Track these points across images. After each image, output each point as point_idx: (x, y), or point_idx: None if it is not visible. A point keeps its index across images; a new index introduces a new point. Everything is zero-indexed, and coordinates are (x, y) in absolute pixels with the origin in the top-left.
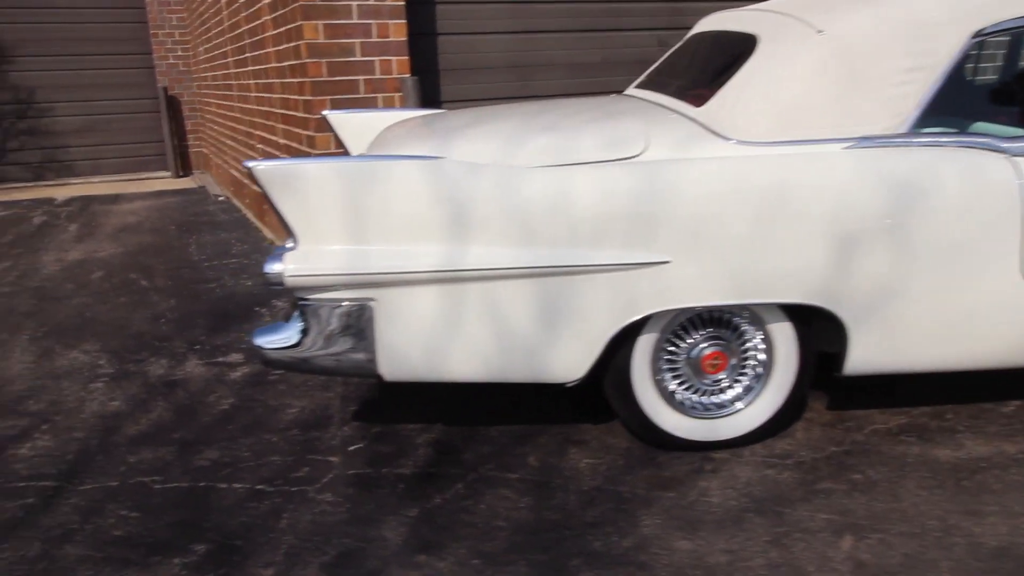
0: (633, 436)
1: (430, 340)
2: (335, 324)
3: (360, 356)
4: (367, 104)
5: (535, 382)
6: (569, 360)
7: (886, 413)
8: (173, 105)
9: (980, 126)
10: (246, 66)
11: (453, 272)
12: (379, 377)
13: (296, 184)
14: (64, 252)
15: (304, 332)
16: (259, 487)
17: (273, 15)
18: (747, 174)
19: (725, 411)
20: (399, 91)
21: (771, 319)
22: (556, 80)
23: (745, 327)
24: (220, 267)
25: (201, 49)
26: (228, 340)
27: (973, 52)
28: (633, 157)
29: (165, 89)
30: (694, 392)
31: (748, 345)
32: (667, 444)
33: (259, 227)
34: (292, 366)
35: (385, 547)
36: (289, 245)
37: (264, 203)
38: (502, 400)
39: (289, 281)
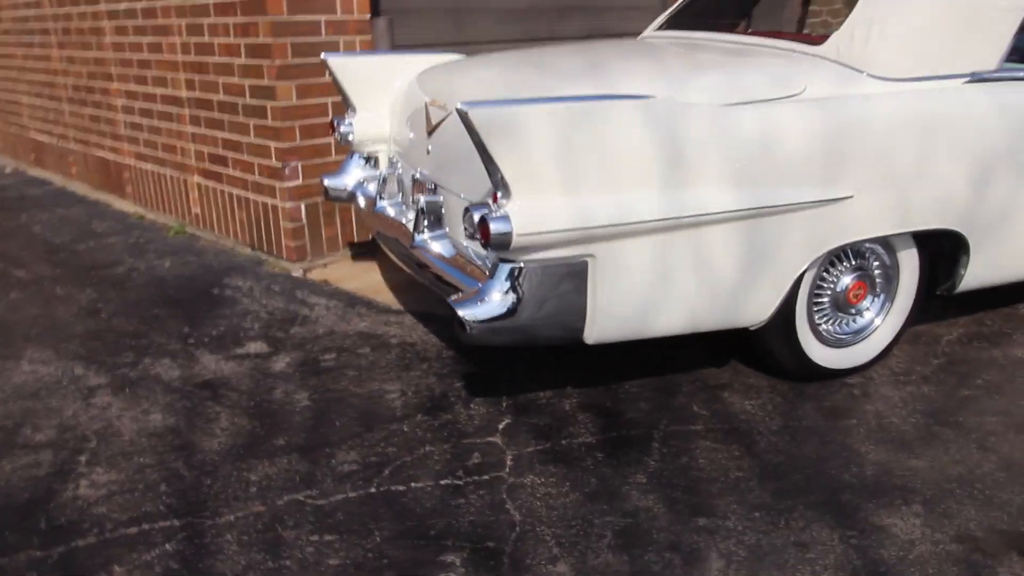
0: (773, 374)
1: (641, 295)
2: (551, 287)
3: (570, 319)
4: (328, 47)
5: (726, 328)
6: (761, 302)
7: (940, 326)
8: None
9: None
10: (93, 5)
11: (673, 220)
12: (580, 342)
13: (516, 130)
14: None
15: (518, 299)
16: (445, 482)
17: None
18: (909, 109)
19: (859, 336)
20: (362, 33)
21: (902, 246)
22: (488, 25)
23: (879, 255)
24: (103, 248)
25: None
26: (224, 330)
27: None
28: (797, 95)
29: None
30: (832, 322)
31: (877, 273)
32: (815, 376)
33: (103, 200)
34: (497, 339)
35: (654, 517)
36: (499, 199)
37: (124, 172)
38: (596, 356)
39: (518, 241)
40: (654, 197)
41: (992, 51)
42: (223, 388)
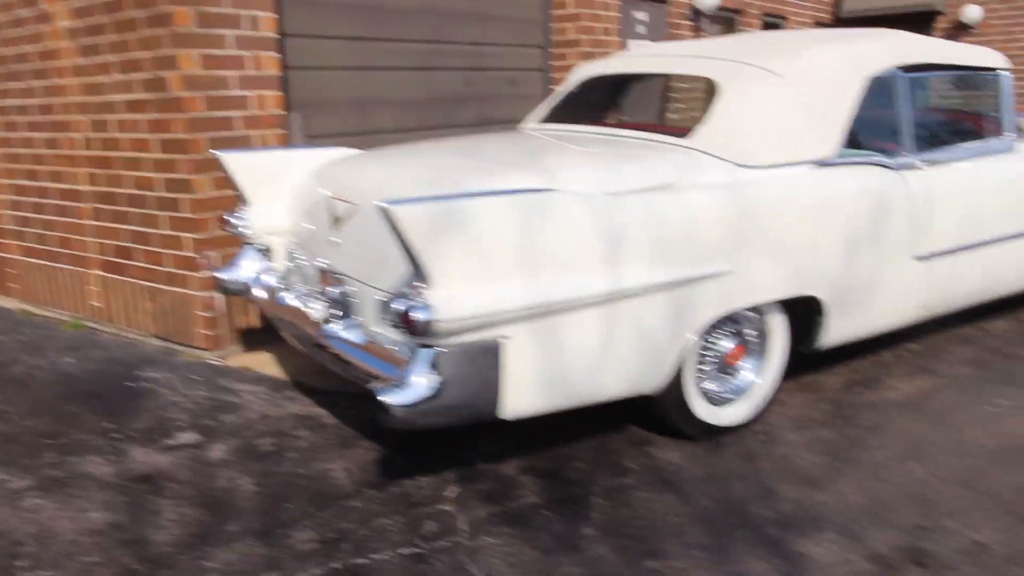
0: (671, 435)
1: (549, 371)
2: (469, 368)
3: (486, 397)
4: (243, 141)
5: (631, 396)
6: (656, 371)
7: (822, 375)
8: None
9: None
10: None
11: (572, 301)
12: (496, 418)
13: (434, 224)
14: None
15: (439, 382)
16: (405, 551)
17: (81, 41)
18: (769, 193)
19: (741, 395)
20: (275, 128)
21: (770, 312)
22: (390, 117)
23: (752, 321)
24: None
25: None
26: (150, 423)
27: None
28: (674, 183)
29: None
30: (717, 383)
31: (752, 337)
32: (707, 434)
33: None
34: (419, 421)
35: (609, 564)
36: (419, 289)
37: (7, 268)
38: (531, 424)
39: (440, 327)
40: (554, 281)
41: (830, 141)
42: (162, 480)
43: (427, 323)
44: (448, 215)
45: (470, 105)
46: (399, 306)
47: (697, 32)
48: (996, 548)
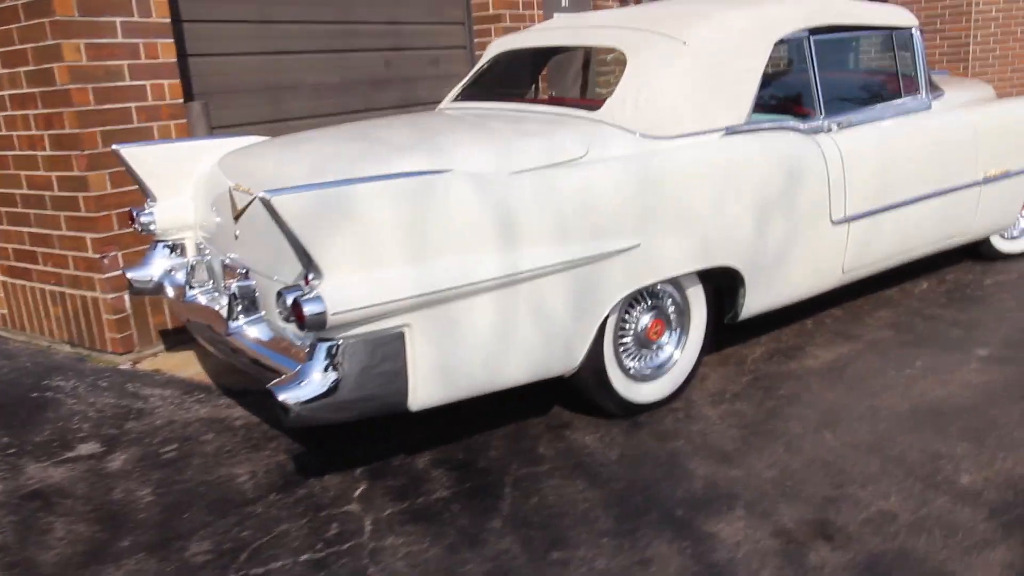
0: (596, 414)
1: (455, 359)
2: (370, 360)
3: (392, 389)
4: (141, 133)
5: (544, 378)
6: (570, 352)
7: (746, 347)
8: None
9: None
10: None
11: (471, 285)
12: (405, 410)
13: (320, 213)
14: None
15: (338, 376)
16: (305, 557)
17: None
18: (676, 163)
19: (663, 370)
20: (176, 118)
21: (688, 284)
22: (304, 102)
23: (671, 295)
24: None
25: None
26: (49, 435)
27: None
28: (581, 158)
29: None
30: (637, 360)
31: (671, 310)
32: (631, 412)
33: None
34: (321, 418)
35: (514, 557)
36: (310, 280)
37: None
38: (448, 413)
39: (333, 320)
40: (452, 266)
41: (740, 108)
42: (55, 496)
43: (318, 315)
44: (333, 202)
45: (391, 87)
46: (288, 298)
47: (624, 0)
48: (902, 515)
